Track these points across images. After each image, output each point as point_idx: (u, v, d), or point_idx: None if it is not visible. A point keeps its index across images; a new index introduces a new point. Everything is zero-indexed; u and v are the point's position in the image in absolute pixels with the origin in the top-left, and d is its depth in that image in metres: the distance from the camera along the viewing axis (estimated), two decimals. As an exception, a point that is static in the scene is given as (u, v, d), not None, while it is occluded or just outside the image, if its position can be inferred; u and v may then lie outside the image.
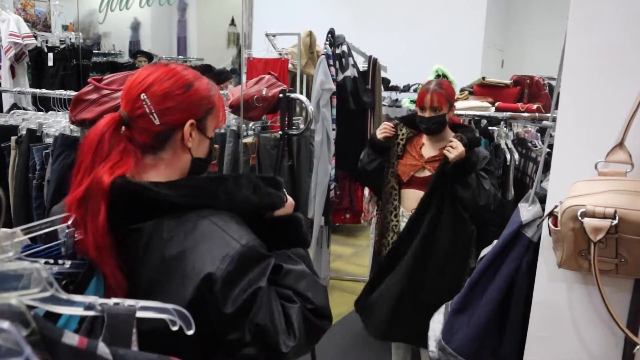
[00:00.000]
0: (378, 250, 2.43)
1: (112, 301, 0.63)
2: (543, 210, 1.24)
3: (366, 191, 3.25)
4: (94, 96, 1.84)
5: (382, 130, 2.26)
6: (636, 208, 0.95)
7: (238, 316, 0.84)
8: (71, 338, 0.56)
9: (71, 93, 2.37)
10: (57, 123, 2.38)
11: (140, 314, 0.64)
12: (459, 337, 1.32)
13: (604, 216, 0.96)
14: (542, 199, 1.29)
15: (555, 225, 1.06)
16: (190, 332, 0.66)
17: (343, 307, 3.43)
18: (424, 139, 2.26)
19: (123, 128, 0.96)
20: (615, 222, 0.95)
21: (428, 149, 2.24)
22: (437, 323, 1.46)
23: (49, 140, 2.32)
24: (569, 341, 1.16)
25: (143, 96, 0.93)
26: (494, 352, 1.28)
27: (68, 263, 0.83)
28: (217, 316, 0.83)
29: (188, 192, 0.92)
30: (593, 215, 0.97)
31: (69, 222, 0.85)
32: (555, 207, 1.08)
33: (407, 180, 2.23)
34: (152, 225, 0.89)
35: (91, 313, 0.62)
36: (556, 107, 1.19)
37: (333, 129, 3.54)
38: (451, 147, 2.06)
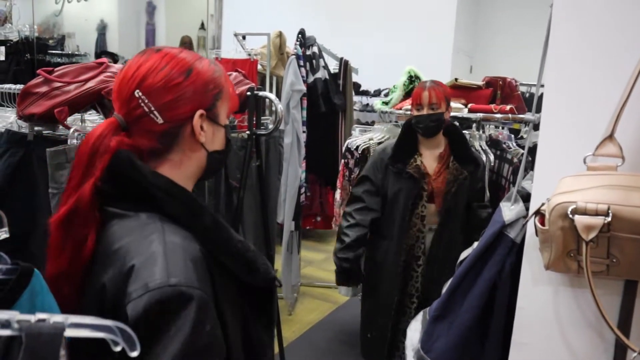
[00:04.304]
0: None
1: (35, 317, 0.51)
2: (527, 209, 1.17)
3: (337, 195, 3.16)
4: (43, 89, 1.69)
5: None
6: (630, 204, 0.88)
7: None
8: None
9: (21, 87, 2.19)
10: (5, 119, 2.18)
11: (70, 333, 0.52)
12: (439, 345, 1.23)
13: (597, 213, 0.89)
14: (525, 198, 1.22)
15: (543, 224, 0.99)
16: (134, 354, 0.55)
17: (314, 314, 3.32)
18: (421, 148, 2.13)
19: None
20: (609, 219, 0.88)
21: (429, 160, 2.11)
22: (414, 331, 1.37)
23: (-5, 137, 2.14)
24: (555, 347, 1.09)
25: (138, 93, 0.80)
26: (477, 361, 1.20)
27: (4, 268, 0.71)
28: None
29: (172, 191, 0.80)
30: (584, 212, 0.90)
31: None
32: (543, 204, 1.01)
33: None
34: (122, 215, 0.80)
35: (6, 333, 0.50)
36: (537, 111, 1.13)
37: (303, 132, 3.45)
38: None
